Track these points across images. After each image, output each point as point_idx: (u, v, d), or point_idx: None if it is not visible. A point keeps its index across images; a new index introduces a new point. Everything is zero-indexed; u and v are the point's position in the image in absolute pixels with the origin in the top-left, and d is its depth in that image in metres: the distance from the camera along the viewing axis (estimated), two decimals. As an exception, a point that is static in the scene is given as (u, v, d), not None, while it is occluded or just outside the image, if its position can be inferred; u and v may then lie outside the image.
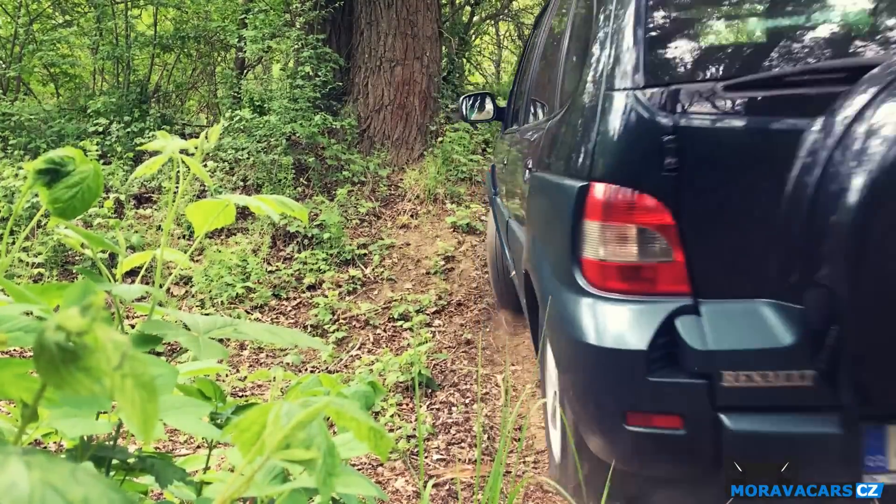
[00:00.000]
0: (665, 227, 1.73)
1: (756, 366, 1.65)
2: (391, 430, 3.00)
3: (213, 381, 1.03)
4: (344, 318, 4.30)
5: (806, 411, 1.68)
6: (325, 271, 4.73)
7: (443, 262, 4.84)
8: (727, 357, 1.65)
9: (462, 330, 4.14)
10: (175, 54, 7.51)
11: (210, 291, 4.42)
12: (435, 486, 2.60)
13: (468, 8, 9.43)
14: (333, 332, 4.15)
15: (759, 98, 1.71)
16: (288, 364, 3.82)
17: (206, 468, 0.98)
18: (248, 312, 4.32)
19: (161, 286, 0.89)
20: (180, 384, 0.96)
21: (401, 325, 4.22)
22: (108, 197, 5.07)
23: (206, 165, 5.41)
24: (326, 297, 4.39)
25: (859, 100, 1.53)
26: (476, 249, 5.05)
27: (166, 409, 0.80)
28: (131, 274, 3.89)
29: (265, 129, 5.47)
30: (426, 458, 2.85)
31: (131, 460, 0.82)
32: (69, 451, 0.80)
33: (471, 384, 3.52)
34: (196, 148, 0.90)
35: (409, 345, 3.88)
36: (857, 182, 1.45)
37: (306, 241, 5.03)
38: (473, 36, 10.05)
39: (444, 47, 7.32)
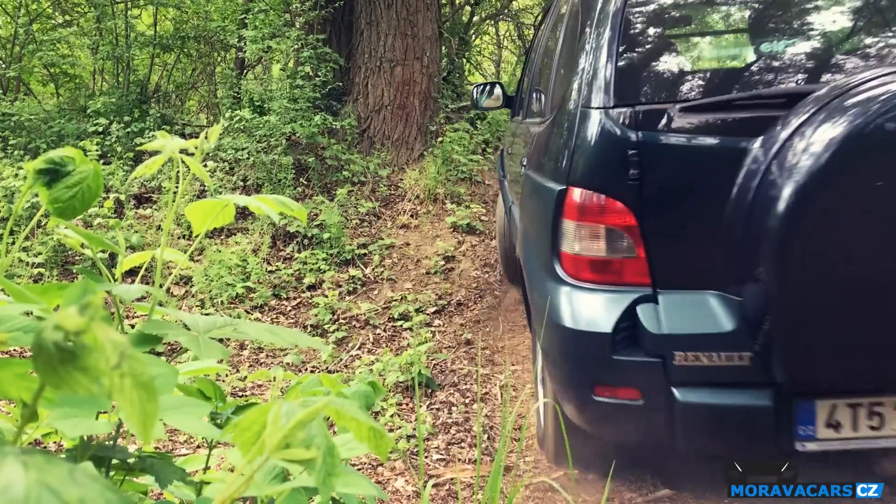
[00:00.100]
0: (630, 227, 2.02)
1: (702, 347, 1.94)
2: (391, 430, 3.00)
3: (213, 381, 1.03)
4: (344, 318, 4.30)
5: (745, 387, 1.94)
6: (325, 271, 4.73)
7: (443, 262, 4.84)
8: (678, 340, 1.95)
9: (462, 330, 4.14)
10: (175, 54, 7.51)
11: (210, 291, 4.42)
12: (435, 486, 2.60)
13: (468, 8, 9.43)
14: (333, 332, 4.15)
15: (711, 119, 2.00)
16: (288, 364, 3.82)
17: (206, 468, 0.98)
18: (248, 312, 4.32)
19: (161, 286, 0.89)
20: (180, 384, 0.95)
21: (401, 325, 4.22)
22: (108, 197, 5.07)
23: (206, 165, 5.41)
24: (326, 297, 4.39)
25: (793, 123, 1.81)
26: (476, 249, 5.05)
27: (166, 409, 0.80)
28: (131, 274, 3.89)
29: (265, 129, 5.47)
30: (426, 458, 2.85)
31: (131, 460, 0.82)
32: (69, 451, 0.80)
33: (471, 384, 3.51)
34: (196, 148, 0.90)
35: (409, 345, 3.88)
36: (786, 192, 1.72)
37: (306, 241, 5.03)
38: (473, 36, 10.05)
39: (444, 47, 7.32)
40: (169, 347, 3.27)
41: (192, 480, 0.88)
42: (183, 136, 6.38)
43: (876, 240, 1.70)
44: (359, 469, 2.75)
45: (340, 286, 4.63)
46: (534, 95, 3.47)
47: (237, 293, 4.43)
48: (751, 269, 1.84)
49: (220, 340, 0.82)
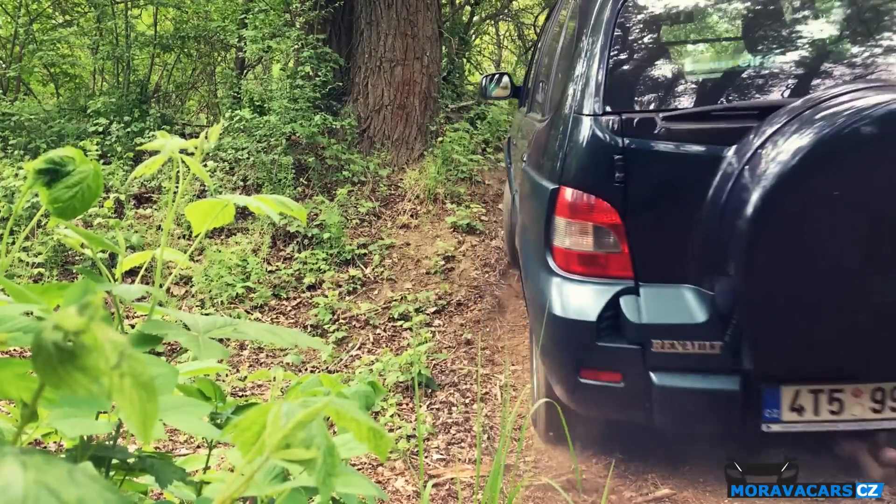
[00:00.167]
0: (615, 225, 2.21)
1: (678, 336, 2.13)
2: (391, 430, 3.00)
3: (213, 381, 1.03)
4: (344, 318, 4.30)
5: (715, 373, 2.12)
6: (325, 271, 4.73)
7: (443, 262, 4.84)
8: (656, 329, 2.14)
9: (462, 330, 4.14)
10: (175, 54, 7.51)
11: (210, 291, 4.42)
12: (435, 486, 2.60)
13: (468, 8, 9.43)
14: (333, 332, 4.15)
15: (691, 127, 2.16)
16: (288, 364, 3.82)
17: (206, 468, 0.98)
18: (248, 312, 4.32)
19: (161, 286, 0.89)
20: (180, 384, 0.95)
21: (401, 325, 4.22)
22: (108, 197, 5.07)
23: (206, 165, 5.41)
24: (326, 297, 4.39)
25: (766, 132, 1.98)
26: (476, 249, 5.05)
27: (166, 409, 0.80)
28: (131, 274, 3.88)
29: (265, 129, 5.47)
30: (426, 458, 2.85)
31: (131, 460, 0.82)
32: (69, 451, 0.80)
33: (471, 384, 3.51)
34: (196, 148, 0.90)
35: (409, 345, 3.88)
36: (755, 196, 1.87)
37: (306, 241, 5.03)
38: (473, 36, 10.05)
39: (444, 47, 7.32)
40: (169, 347, 3.27)
41: (192, 480, 0.88)
42: (183, 136, 6.38)
43: (835, 242, 1.88)
44: (359, 469, 2.75)
45: (340, 286, 4.63)
46: (538, 88, 3.62)
47: (237, 293, 4.43)
48: (722, 266, 2.02)
49: (220, 340, 0.82)
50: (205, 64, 7.84)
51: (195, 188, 5.30)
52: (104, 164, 5.55)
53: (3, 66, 6.86)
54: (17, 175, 4.98)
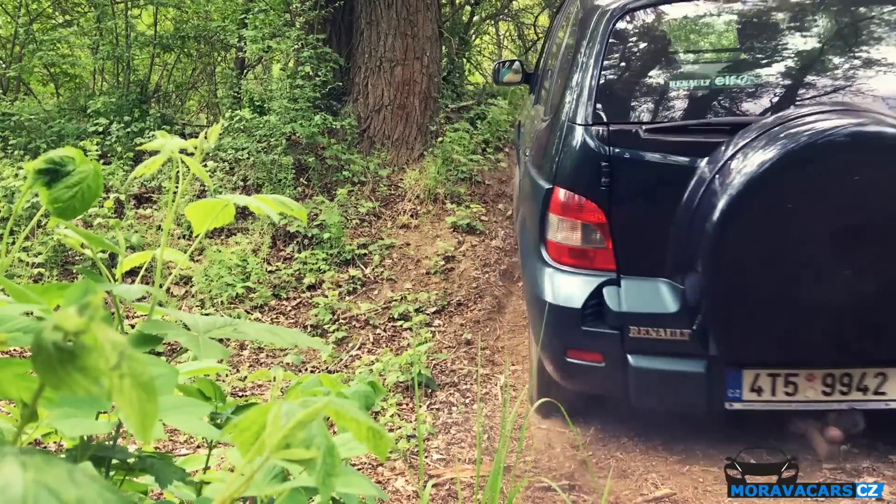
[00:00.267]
0: (600, 224, 2.49)
1: (653, 324, 2.42)
2: (391, 430, 3.00)
3: (213, 381, 1.03)
4: (344, 318, 4.30)
5: (684, 356, 2.41)
6: (325, 271, 4.73)
7: (443, 262, 4.84)
8: (634, 317, 2.43)
9: (462, 330, 4.14)
10: (175, 54, 7.50)
11: (210, 291, 4.42)
12: (435, 486, 2.60)
13: (468, 8, 9.42)
14: (333, 332, 4.15)
15: (670, 139, 2.44)
16: (288, 364, 3.82)
17: (206, 468, 0.98)
18: (248, 312, 4.32)
19: (161, 286, 0.89)
20: (180, 384, 0.95)
21: (401, 325, 4.22)
22: (108, 197, 5.07)
23: (205, 165, 5.40)
24: (326, 297, 4.39)
25: (735, 146, 2.24)
26: (476, 249, 5.05)
27: (166, 409, 0.80)
28: (131, 274, 3.88)
29: (265, 129, 5.47)
30: (426, 458, 2.85)
31: (131, 460, 0.82)
32: (69, 451, 0.80)
33: (471, 384, 3.51)
34: (196, 148, 0.90)
35: (409, 345, 3.88)
36: (722, 202, 2.12)
37: (306, 241, 5.03)
38: (473, 36, 10.05)
39: (444, 47, 7.31)
40: (169, 347, 3.27)
41: (192, 480, 0.88)
42: (183, 136, 6.37)
43: (791, 245, 2.13)
44: (359, 469, 2.75)
45: (340, 286, 4.63)
46: (545, 78, 3.85)
47: (237, 293, 4.43)
48: (692, 263, 2.27)
49: (220, 340, 0.82)
50: (205, 64, 7.83)
51: (195, 188, 5.29)
52: (104, 164, 5.55)
53: (3, 66, 6.86)
54: (17, 175, 4.98)
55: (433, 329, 4.16)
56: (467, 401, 3.35)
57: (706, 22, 2.86)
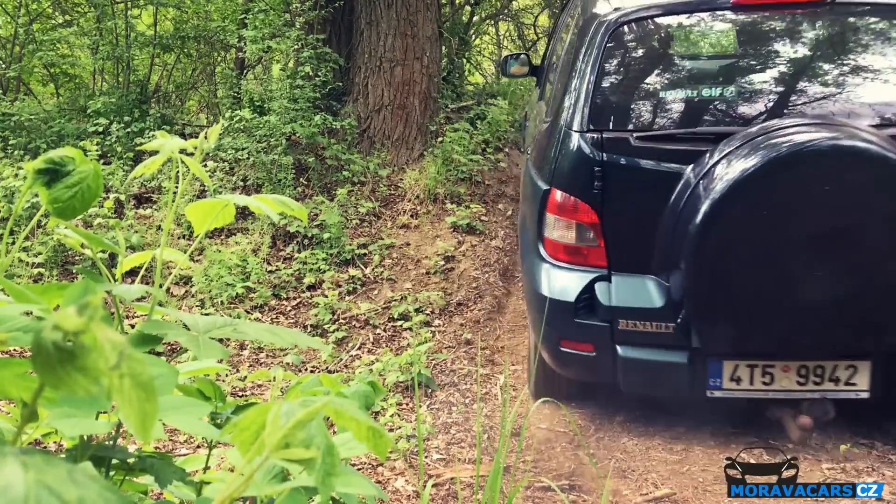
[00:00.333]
0: (593, 223, 2.67)
1: (640, 317, 2.60)
2: (391, 430, 3.00)
3: (212, 381, 1.03)
4: (344, 318, 4.30)
5: (668, 348, 2.60)
6: (325, 271, 4.73)
7: (443, 262, 4.84)
8: (623, 310, 2.61)
9: (462, 330, 4.14)
10: (175, 54, 7.49)
11: (210, 291, 4.42)
12: (435, 486, 2.59)
13: (468, 8, 9.42)
14: (333, 332, 4.15)
15: (659, 146, 2.61)
16: (288, 364, 3.82)
17: (206, 468, 0.98)
18: (248, 312, 4.32)
19: (161, 286, 0.89)
20: (180, 384, 0.95)
21: (401, 325, 4.22)
22: (108, 197, 5.06)
23: (205, 165, 5.40)
24: (326, 297, 4.39)
25: (718, 154, 2.41)
26: (476, 249, 5.05)
27: (166, 409, 0.80)
28: (131, 274, 3.88)
29: (265, 129, 5.47)
30: (426, 458, 2.85)
31: (131, 460, 0.82)
32: (69, 451, 0.80)
33: (471, 384, 3.51)
34: (195, 148, 0.90)
35: (409, 345, 3.88)
36: (704, 206, 2.30)
37: (306, 241, 5.03)
38: (473, 36, 10.04)
39: (444, 47, 7.31)
40: (169, 347, 3.27)
41: (191, 480, 0.88)
42: (183, 136, 6.37)
43: (768, 247, 2.32)
44: (359, 469, 2.75)
45: (340, 286, 4.63)
46: (550, 71, 4.03)
47: (237, 293, 4.43)
48: (676, 262, 2.45)
49: (220, 340, 0.82)
50: (205, 64, 7.83)
51: (195, 188, 5.29)
52: (104, 164, 5.55)
53: (3, 66, 6.85)
54: (17, 175, 4.98)
55: (433, 329, 4.16)
56: (467, 401, 3.35)
57: (696, 36, 3.02)
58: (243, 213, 5.07)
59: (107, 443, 0.83)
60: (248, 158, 5.41)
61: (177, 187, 3.59)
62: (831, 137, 2.27)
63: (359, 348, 4.03)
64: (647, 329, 2.59)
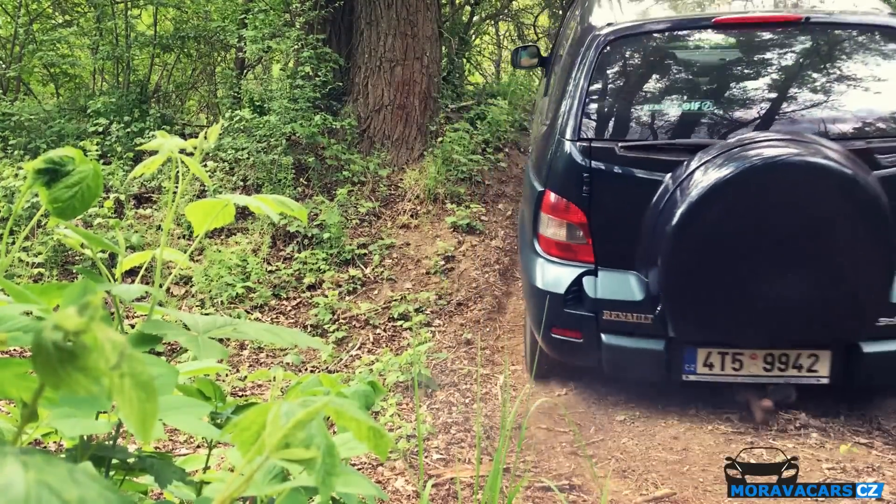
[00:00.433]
0: (582, 223, 2.95)
1: (622, 309, 2.88)
2: (391, 430, 3.00)
3: (212, 381, 1.03)
4: (344, 318, 4.30)
5: (648, 336, 2.87)
6: (325, 271, 4.73)
7: (443, 262, 4.84)
8: (607, 302, 2.89)
9: (462, 330, 4.14)
10: (175, 54, 7.49)
11: (210, 291, 4.42)
12: (435, 485, 2.59)
13: (468, 8, 9.41)
14: (333, 332, 4.15)
15: (641, 156, 2.87)
16: (288, 364, 3.82)
17: (206, 468, 0.98)
18: (248, 312, 4.32)
19: (161, 286, 0.89)
20: (180, 384, 0.95)
21: (401, 325, 4.22)
22: (108, 197, 5.06)
23: (205, 165, 5.40)
24: (326, 296, 4.39)
25: (694, 164, 2.69)
26: (476, 249, 5.05)
27: (166, 409, 0.80)
28: (131, 274, 3.88)
29: (265, 129, 5.46)
30: (426, 458, 2.85)
31: (131, 460, 0.82)
32: (69, 451, 0.80)
33: (471, 384, 3.51)
34: (195, 148, 0.90)
35: (409, 345, 3.87)
36: (679, 210, 2.59)
37: (306, 241, 5.03)
38: (473, 36, 10.04)
39: (444, 47, 7.31)
40: (169, 347, 3.27)
41: (192, 480, 0.88)
42: (183, 136, 6.36)
43: (735, 248, 2.62)
44: (359, 469, 2.75)
45: (340, 286, 4.63)
46: (555, 66, 4.23)
47: (237, 293, 4.43)
48: (654, 259, 2.72)
49: (220, 340, 0.82)
50: (205, 64, 7.82)
51: (195, 188, 5.29)
52: (104, 164, 5.54)
53: (3, 66, 6.85)
54: (17, 175, 4.98)
55: (433, 329, 4.16)
56: (467, 401, 3.35)
57: (680, 52, 3.21)
58: (243, 213, 5.07)
59: (107, 443, 0.83)
60: (248, 158, 5.41)
61: (177, 187, 3.59)
62: (797, 154, 2.54)
63: (359, 348, 4.03)
64: (629, 319, 2.87)
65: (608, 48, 3.03)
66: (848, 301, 2.66)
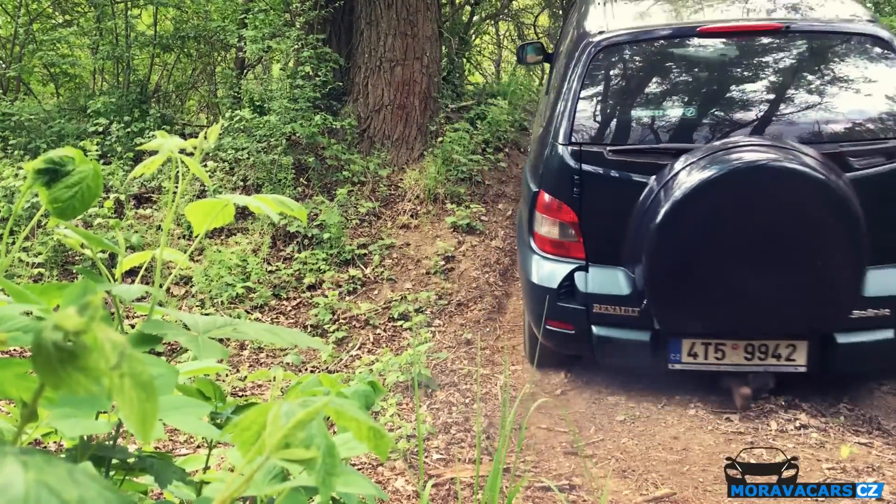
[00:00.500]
0: (573, 222, 3.13)
1: (611, 303, 3.06)
2: (391, 430, 3.00)
3: (212, 381, 1.03)
4: (344, 318, 4.30)
5: (635, 328, 3.04)
6: (325, 271, 4.73)
7: (443, 262, 4.84)
8: (597, 296, 3.08)
9: (462, 330, 4.14)
10: (175, 54, 7.49)
11: (210, 291, 4.42)
12: (435, 486, 2.59)
13: (468, 8, 9.41)
14: (333, 332, 4.15)
15: (628, 159, 3.05)
16: (288, 364, 3.82)
17: (206, 468, 0.98)
18: (248, 312, 4.32)
19: (161, 286, 0.89)
20: (180, 384, 0.95)
21: (401, 325, 4.22)
22: (108, 197, 5.06)
23: (205, 165, 5.40)
24: (326, 297, 4.39)
25: (677, 167, 2.85)
26: (476, 250, 5.05)
27: (166, 409, 0.80)
28: (131, 274, 3.88)
29: (265, 129, 5.46)
30: (426, 458, 2.85)
31: (131, 460, 0.82)
32: (69, 451, 0.80)
33: (471, 384, 3.51)
34: (195, 148, 0.90)
35: (409, 345, 3.87)
36: (663, 209, 2.75)
37: (306, 241, 5.03)
38: (473, 36, 10.04)
39: (444, 47, 7.31)
40: (169, 347, 3.27)
41: (192, 480, 0.88)
42: (183, 136, 6.36)
43: (715, 246, 2.79)
44: (359, 469, 2.75)
45: (340, 286, 4.63)
46: (555, 68, 4.40)
47: (237, 293, 4.43)
48: (639, 256, 2.88)
49: (220, 340, 0.82)
50: (205, 64, 7.82)
51: (195, 188, 5.29)
52: (104, 164, 5.54)
53: (3, 66, 6.85)
54: (17, 175, 4.98)
55: (433, 329, 4.16)
56: (467, 401, 3.35)
57: (666, 60, 3.37)
58: (243, 213, 5.07)
59: (107, 443, 0.83)
60: (248, 158, 5.41)
61: (177, 187, 3.59)
62: (775, 159, 2.70)
63: (359, 348, 4.03)
64: (617, 312, 3.04)
65: (600, 55, 3.20)
66: (823, 295, 2.82)
